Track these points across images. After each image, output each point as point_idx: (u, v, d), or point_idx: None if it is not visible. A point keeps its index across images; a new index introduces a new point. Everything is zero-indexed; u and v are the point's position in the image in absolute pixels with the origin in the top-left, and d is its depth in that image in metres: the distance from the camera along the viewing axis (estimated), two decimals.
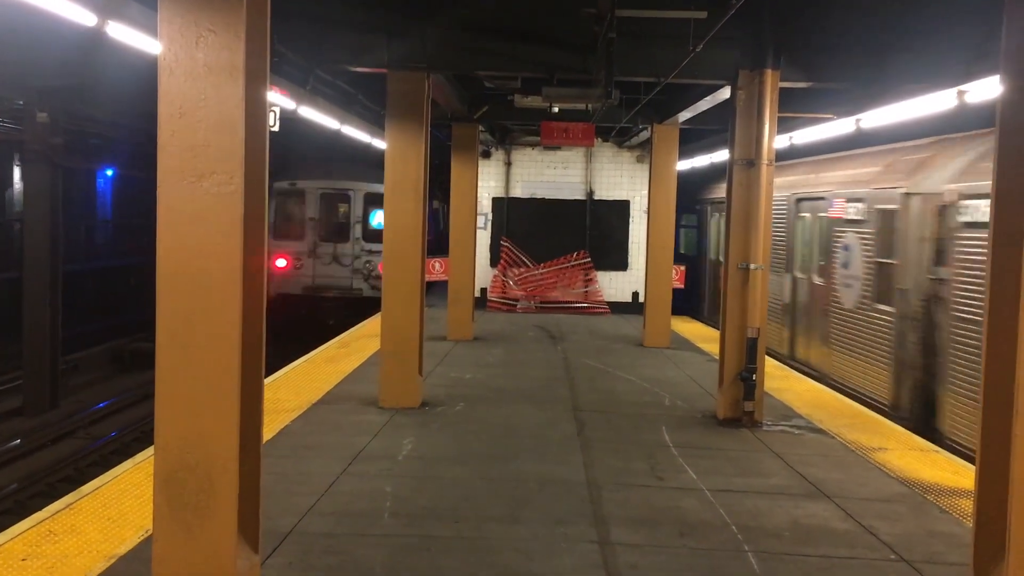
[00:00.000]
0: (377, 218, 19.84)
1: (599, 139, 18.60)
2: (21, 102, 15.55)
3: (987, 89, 7.99)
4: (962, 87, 8.42)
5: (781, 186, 13.75)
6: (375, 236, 19.21)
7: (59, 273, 15.84)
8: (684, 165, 17.57)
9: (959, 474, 7.61)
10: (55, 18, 6.45)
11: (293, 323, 18.52)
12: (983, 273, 6.33)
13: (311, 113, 11.18)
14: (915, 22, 8.93)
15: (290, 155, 21.45)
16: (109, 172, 25.24)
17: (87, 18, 6.52)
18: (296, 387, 10.49)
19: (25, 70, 13.97)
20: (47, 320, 15.41)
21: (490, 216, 20.03)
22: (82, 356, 18.43)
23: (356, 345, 13.86)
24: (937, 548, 5.94)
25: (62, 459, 12.62)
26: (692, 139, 17.52)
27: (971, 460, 9.04)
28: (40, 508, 6.46)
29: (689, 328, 17.48)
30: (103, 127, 20.06)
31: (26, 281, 15.56)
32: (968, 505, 6.52)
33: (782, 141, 13.08)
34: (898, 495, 7.05)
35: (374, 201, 19.59)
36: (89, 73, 13.89)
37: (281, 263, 20.43)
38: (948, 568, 5.60)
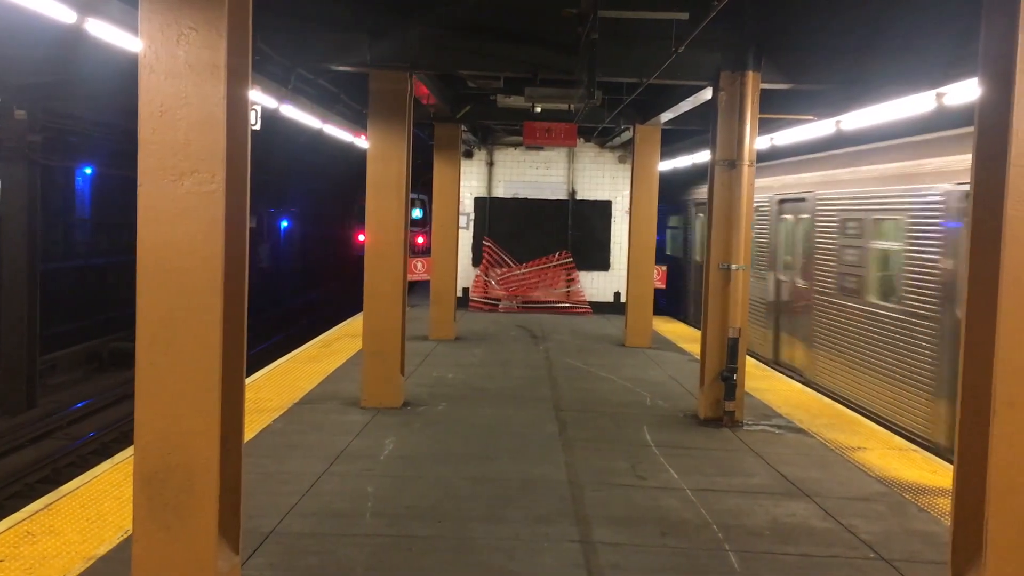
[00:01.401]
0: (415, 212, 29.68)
1: (581, 139, 18.64)
2: None
3: (966, 91, 8.07)
4: (940, 89, 8.50)
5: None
6: (416, 223, 25.62)
7: (37, 272, 15.71)
8: (666, 166, 17.66)
9: (937, 473, 7.67)
10: (33, 14, 6.39)
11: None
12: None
13: (293, 112, 11.13)
14: (894, 25, 9.01)
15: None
16: (88, 170, 25.03)
17: (66, 15, 6.47)
18: (278, 386, 10.45)
19: (2, 67, 13.84)
20: (25, 319, 15.28)
21: (472, 216, 20.04)
22: (60, 355, 18.28)
23: (338, 345, 13.82)
24: (915, 547, 5.99)
25: (40, 459, 12.51)
26: (674, 140, 17.61)
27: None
28: (18, 509, 6.42)
29: (670, 328, 17.54)
30: (82, 124, 19.91)
31: (3, 280, 15.42)
32: (946, 504, 6.59)
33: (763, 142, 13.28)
34: (877, 494, 7.10)
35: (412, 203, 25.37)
36: (68, 70, 13.78)
37: (363, 238, 32.89)
38: (926, 566, 5.65)
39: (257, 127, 9.94)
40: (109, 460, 7.37)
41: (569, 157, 20.13)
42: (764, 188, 14.07)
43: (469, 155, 19.79)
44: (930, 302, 9.11)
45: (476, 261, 20.00)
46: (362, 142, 14.64)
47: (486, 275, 19.91)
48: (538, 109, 13.11)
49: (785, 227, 13.65)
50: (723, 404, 9.31)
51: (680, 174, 19.99)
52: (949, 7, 8.40)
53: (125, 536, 5.49)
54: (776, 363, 13.48)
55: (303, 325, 26.50)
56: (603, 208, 20.19)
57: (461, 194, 16.84)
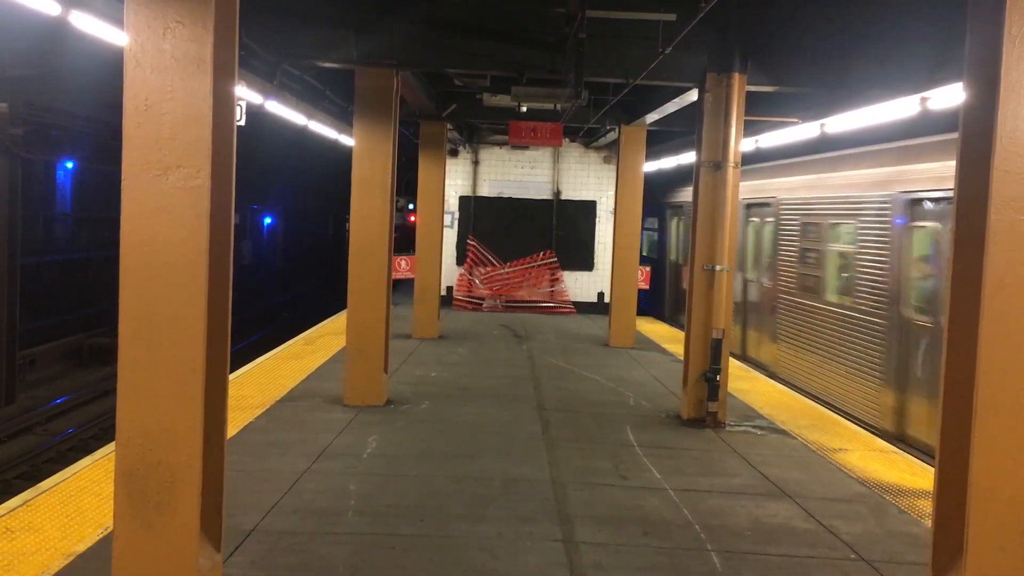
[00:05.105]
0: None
1: (567, 139, 18.67)
2: None
3: (950, 96, 8.12)
4: (925, 93, 8.54)
5: None
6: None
7: (17, 266, 15.57)
8: (651, 167, 17.70)
9: (917, 475, 7.72)
10: (16, 6, 6.33)
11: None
12: None
13: (279, 108, 11.07)
14: (879, 29, 9.06)
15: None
16: (70, 164, 24.84)
17: (51, 7, 6.41)
18: (260, 384, 10.40)
19: None
20: (4, 314, 15.16)
21: (457, 214, 20.03)
22: (40, 350, 18.14)
23: (321, 342, 13.77)
24: (896, 548, 6.02)
25: (19, 455, 12.41)
26: (659, 141, 17.65)
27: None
28: None
29: (654, 329, 17.58)
30: (65, 118, 19.75)
31: None
32: (926, 505, 6.63)
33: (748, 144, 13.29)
34: (858, 495, 7.14)
35: None
36: (52, 63, 13.67)
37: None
38: (907, 568, 5.68)
39: (242, 123, 9.88)
40: (89, 456, 7.32)
41: (554, 157, 20.15)
42: (877, 183, 10.61)
43: (455, 153, 19.78)
44: None
45: (460, 260, 19.98)
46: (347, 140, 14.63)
47: (470, 274, 19.89)
48: (524, 108, 13.10)
49: (924, 239, 9.73)
50: (706, 405, 9.34)
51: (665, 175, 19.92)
52: (934, 12, 8.45)
53: (105, 533, 5.45)
54: (902, 440, 9.55)
55: (285, 321, 26.40)
56: (588, 208, 20.22)
57: (446, 192, 16.83)
